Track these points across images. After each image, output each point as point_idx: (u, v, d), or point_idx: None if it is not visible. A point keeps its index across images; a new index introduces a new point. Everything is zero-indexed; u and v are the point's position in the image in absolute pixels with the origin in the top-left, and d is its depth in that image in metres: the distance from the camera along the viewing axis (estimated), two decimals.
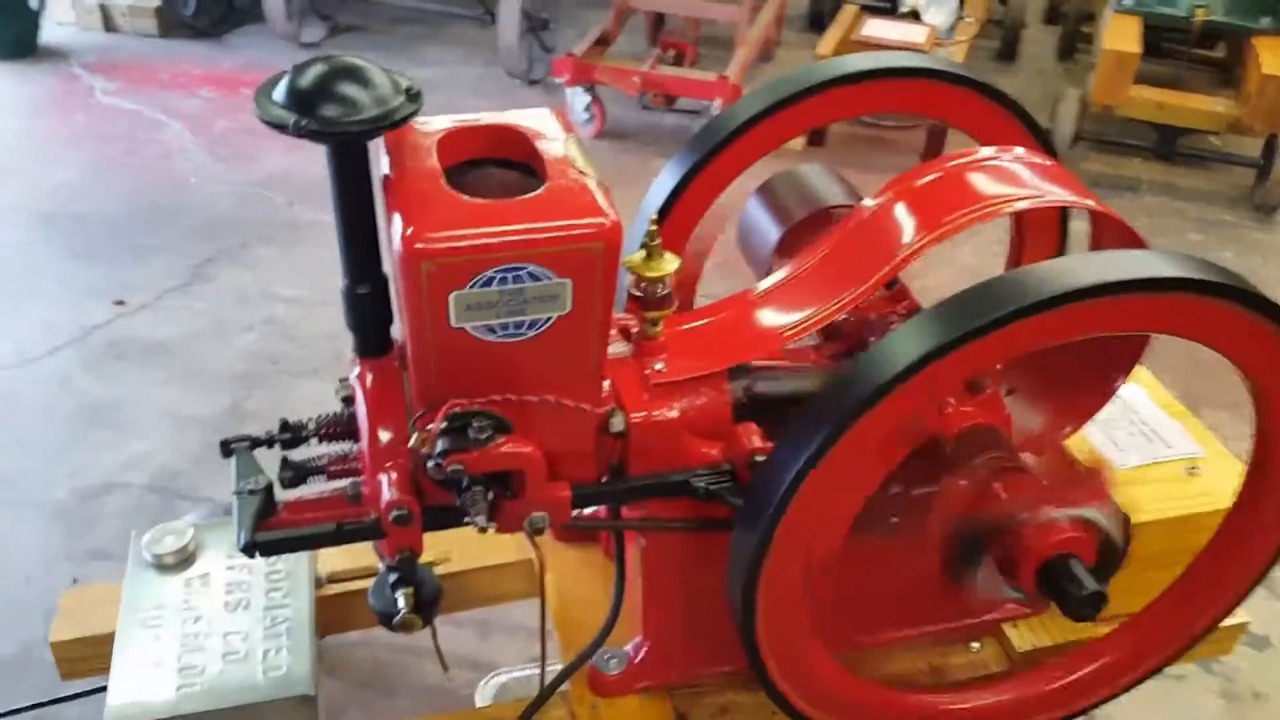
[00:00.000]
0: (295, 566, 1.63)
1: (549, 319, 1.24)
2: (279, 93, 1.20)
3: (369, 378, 1.38)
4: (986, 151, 1.48)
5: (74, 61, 5.11)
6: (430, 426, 1.28)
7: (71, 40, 5.28)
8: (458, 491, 1.30)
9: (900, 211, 1.46)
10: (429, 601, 1.57)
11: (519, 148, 1.31)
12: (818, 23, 5.73)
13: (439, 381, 1.28)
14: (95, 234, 3.87)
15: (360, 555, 1.76)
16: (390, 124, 1.20)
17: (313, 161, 1.39)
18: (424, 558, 1.71)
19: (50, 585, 2.39)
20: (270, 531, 1.34)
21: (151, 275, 3.63)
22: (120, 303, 3.49)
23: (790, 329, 1.45)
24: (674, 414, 1.42)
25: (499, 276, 1.18)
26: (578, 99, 4.65)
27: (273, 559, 1.64)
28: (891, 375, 1.20)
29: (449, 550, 1.83)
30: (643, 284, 1.43)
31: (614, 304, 1.27)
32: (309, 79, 1.20)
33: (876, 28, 4.46)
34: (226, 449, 1.44)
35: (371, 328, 1.37)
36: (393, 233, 1.18)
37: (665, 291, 1.44)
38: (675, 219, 1.65)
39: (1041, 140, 1.67)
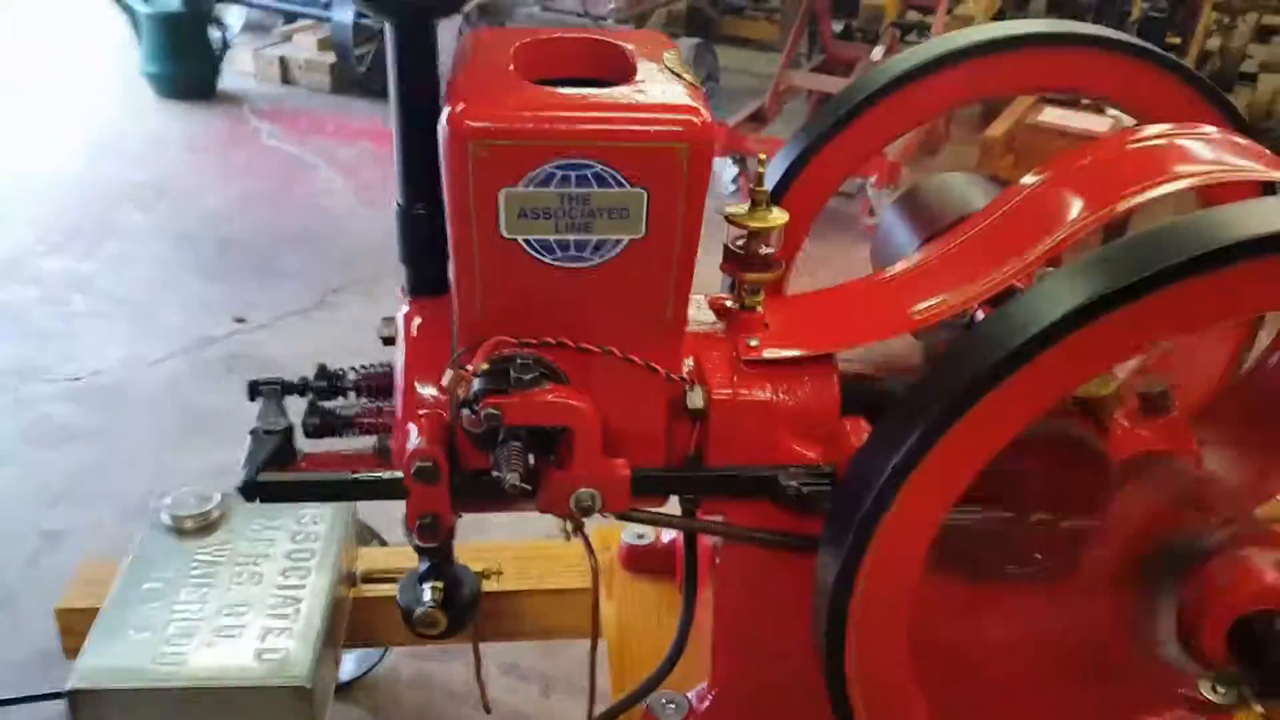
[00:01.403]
0: (323, 549, 1.43)
1: (619, 242, 1.03)
2: None
3: (416, 319, 1.20)
4: (1163, 127, 1.21)
5: (246, 107, 5.31)
6: (470, 366, 1.07)
7: (248, 88, 5.50)
8: (493, 445, 1.08)
9: (1067, 186, 1.20)
10: (464, 604, 1.35)
11: (614, 68, 1.12)
12: (989, 119, 5.48)
13: (485, 311, 1.07)
14: (230, 257, 3.90)
15: (407, 558, 1.55)
16: None
17: None
18: (473, 568, 1.50)
19: None
20: (275, 474, 1.15)
21: (277, 299, 3.61)
22: (240, 320, 3.46)
23: (923, 311, 1.19)
24: (766, 397, 1.17)
25: (560, 174, 0.98)
26: (726, 170, 4.51)
27: (300, 538, 1.45)
28: (1022, 341, 0.92)
29: (502, 565, 1.59)
30: (743, 240, 1.20)
31: (699, 235, 1.05)
32: None
33: (1055, 115, 4.16)
34: (254, 390, 1.27)
35: (425, 259, 1.19)
36: (442, 118, 0.99)
37: (769, 251, 1.21)
38: (794, 198, 1.42)
39: (1239, 127, 1.39)
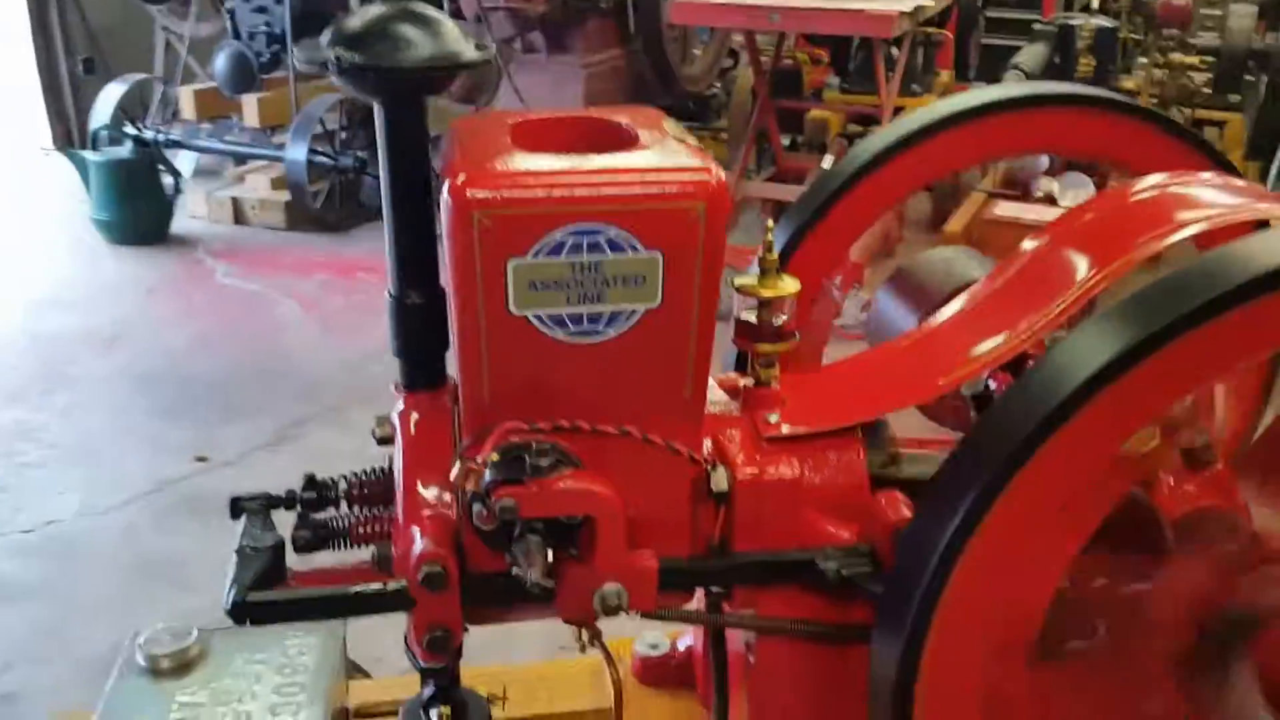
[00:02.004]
0: (313, 683, 1.30)
1: (634, 313, 0.97)
2: (327, 35, 1.00)
3: (413, 414, 1.12)
4: (1161, 176, 1.19)
5: (200, 249, 5.25)
6: (479, 458, 0.99)
7: (202, 230, 5.45)
8: (508, 543, 0.99)
9: (1075, 243, 1.17)
10: None
11: (614, 140, 1.07)
12: (940, 222, 5.59)
13: (493, 396, 1.00)
14: (190, 395, 3.79)
15: (403, 688, 1.43)
16: (449, 67, 0.98)
17: None
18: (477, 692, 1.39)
19: None
20: (266, 593, 1.04)
21: (240, 434, 3.49)
22: (202, 459, 3.33)
23: (948, 376, 1.13)
24: (792, 475, 1.09)
25: (570, 241, 0.92)
26: None
27: (287, 672, 1.32)
28: (1067, 394, 0.87)
29: (508, 689, 1.47)
30: (755, 311, 1.15)
31: (718, 303, 0.99)
32: (362, 18, 1.00)
33: (1009, 209, 4.24)
34: (236, 508, 1.17)
35: (421, 350, 1.12)
36: (443, 191, 0.94)
37: (783, 322, 1.15)
38: (799, 267, 1.37)
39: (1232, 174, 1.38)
